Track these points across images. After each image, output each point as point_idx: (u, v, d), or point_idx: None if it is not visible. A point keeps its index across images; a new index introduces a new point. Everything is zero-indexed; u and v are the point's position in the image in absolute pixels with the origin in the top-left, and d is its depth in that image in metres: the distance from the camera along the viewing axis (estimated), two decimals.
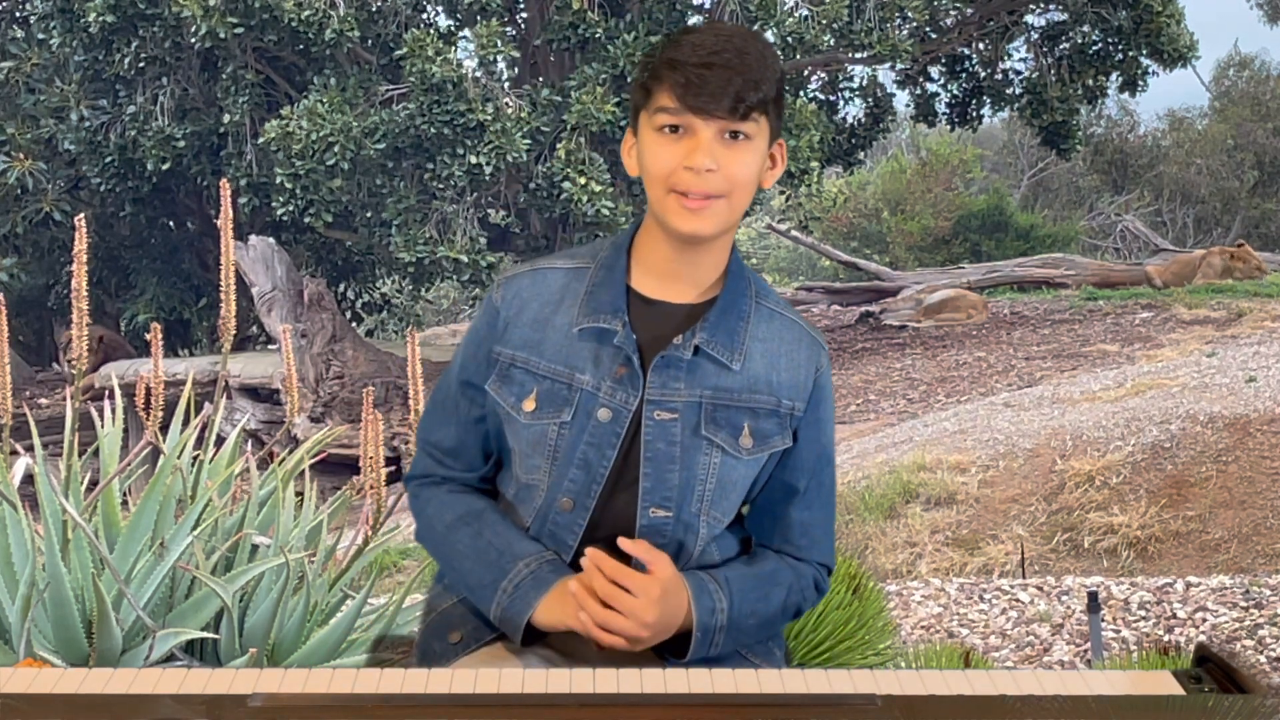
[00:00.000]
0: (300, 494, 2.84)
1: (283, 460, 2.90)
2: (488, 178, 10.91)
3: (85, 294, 2.63)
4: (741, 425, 1.62)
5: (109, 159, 12.50)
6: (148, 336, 4.14)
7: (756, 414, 1.63)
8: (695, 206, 1.56)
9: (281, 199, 11.13)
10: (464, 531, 1.67)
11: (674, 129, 1.55)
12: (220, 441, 2.88)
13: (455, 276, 11.46)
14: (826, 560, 1.74)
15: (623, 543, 1.58)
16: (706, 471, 1.62)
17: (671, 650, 1.61)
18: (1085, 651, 4.49)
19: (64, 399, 12.25)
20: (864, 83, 15.03)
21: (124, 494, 2.78)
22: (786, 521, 1.70)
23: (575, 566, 1.65)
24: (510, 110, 10.88)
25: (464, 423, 1.72)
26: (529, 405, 1.64)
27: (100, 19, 11.56)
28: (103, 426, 2.81)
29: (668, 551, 1.62)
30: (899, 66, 12.94)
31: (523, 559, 1.62)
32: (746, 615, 1.63)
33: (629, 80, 10.94)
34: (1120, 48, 13.68)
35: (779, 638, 1.76)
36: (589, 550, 1.58)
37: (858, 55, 12.00)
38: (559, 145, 10.91)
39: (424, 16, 12.57)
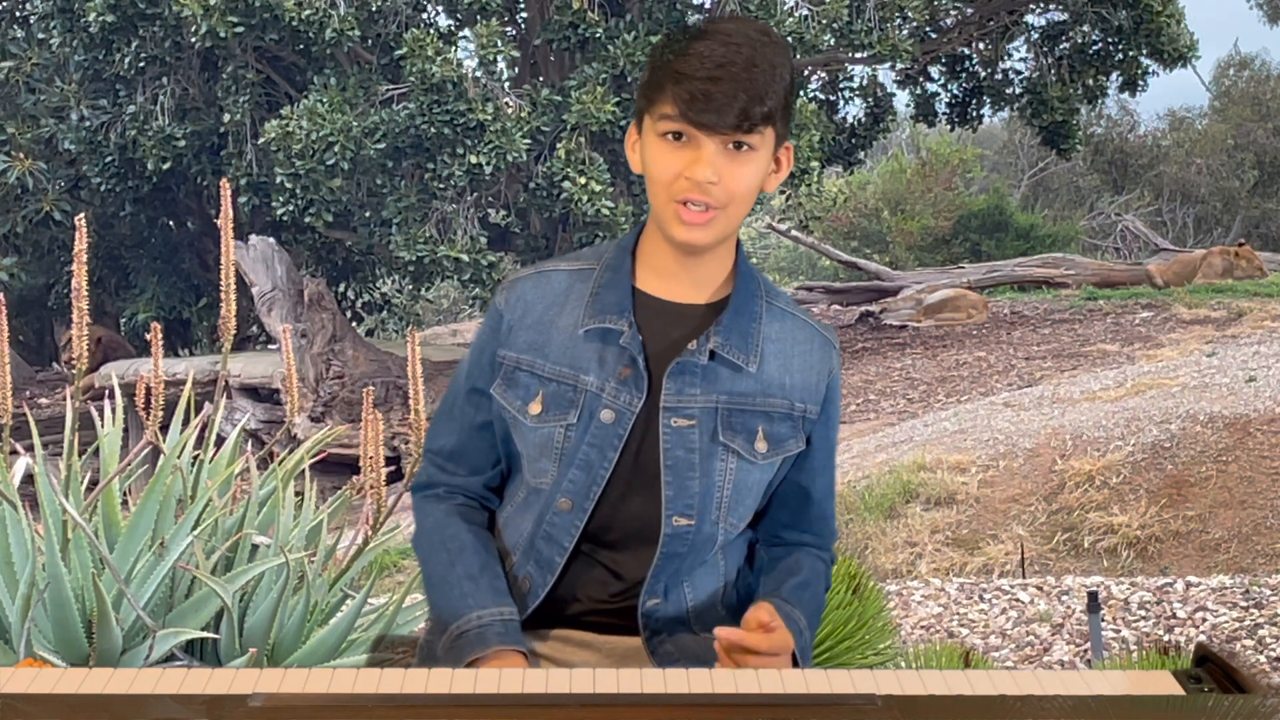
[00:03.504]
0: (300, 494, 2.84)
1: (283, 460, 2.90)
2: (488, 177, 10.91)
3: (85, 294, 2.63)
4: (756, 429, 1.62)
5: (109, 159, 12.50)
6: (148, 336, 4.14)
7: (771, 418, 1.62)
8: (694, 220, 1.54)
9: (281, 199, 11.14)
10: (441, 559, 1.67)
11: (677, 135, 1.53)
12: (220, 441, 2.88)
13: (455, 276, 11.47)
14: (835, 537, 1.79)
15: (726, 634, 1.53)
16: (724, 478, 1.61)
17: None
18: (1085, 651, 4.49)
19: (64, 399, 12.26)
20: (864, 83, 15.04)
21: (124, 494, 2.78)
22: (807, 518, 1.73)
23: (569, 568, 1.64)
24: (510, 110, 10.88)
25: (467, 428, 1.70)
26: (535, 408, 1.62)
27: (100, 19, 11.56)
28: (103, 426, 2.81)
29: (681, 559, 1.64)
30: (899, 66, 12.94)
31: (476, 610, 1.59)
32: (812, 617, 1.68)
33: (629, 80, 10.95)
34: (1120, 48, 13.68)
35: None
36: (720, 632, 1.51)
37: (858, 55, 12.00)
38: (559, 145, 10.91)
39: (424, 16, 12.56)
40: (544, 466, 1.63)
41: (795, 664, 1.59)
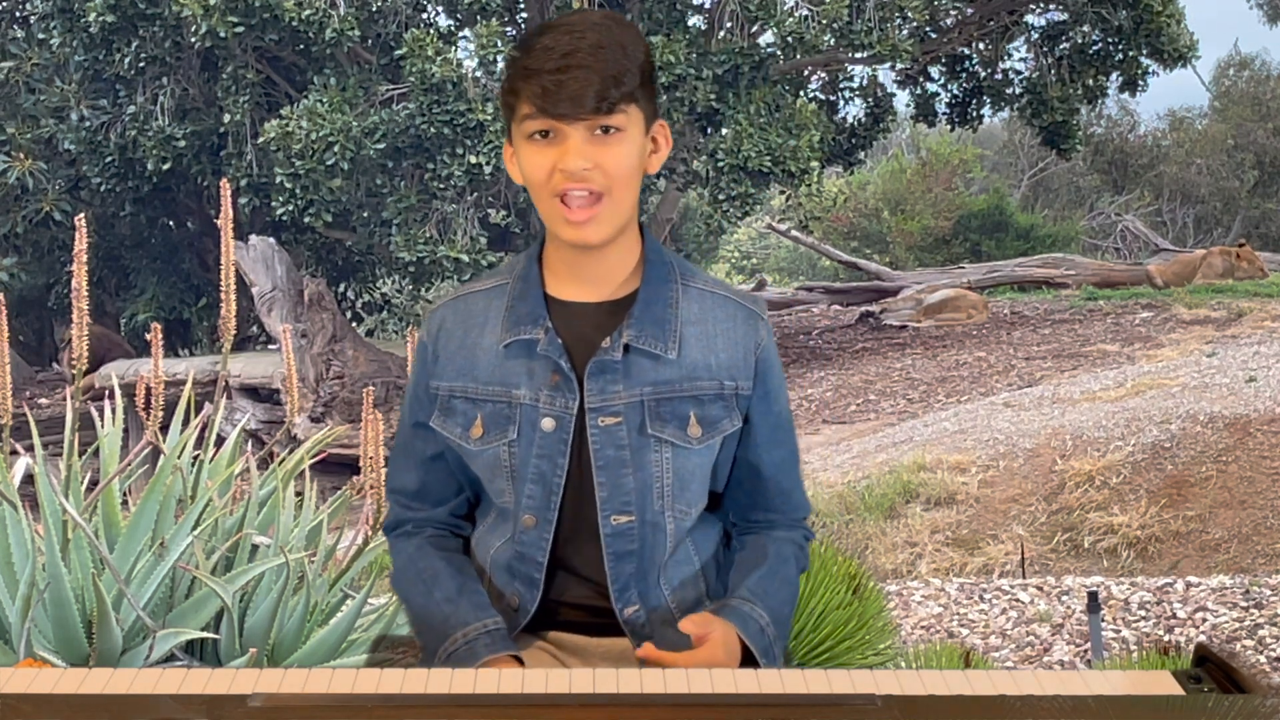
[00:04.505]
0: (300, 494, 2.84)
1: (283, 460, 2.90)
2: (488, 177, 10.91)
3: (85, 294, 2.63)
4: (687, 415, 1.61)
5: (109, 159, 12.51)
6: (148, 336, 4.14)
7: (701, 401, 1.61)
8: (579, 219, 1.54)
9: (281, 199, 11.14)
10: (418, 589, 1.67)
11: (544, 134, 1.53)
12: (220, 441, 2.88)
13: (456, 276, 11.47)
14: (806, 513, 1.76)
15: (648, 652, 1.53)
16: (660, 468, 1.61)
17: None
18: (1085, 651, 4.49)
19: (64, 399, 12.26)
20: (864, 83, 15.04)
21: (124, 494, 2.78)
22: (764, 495, 1.71)
23: (551, 580, 1.64)
24: None
25: (422, 463, 1.71)
26: (476, 432, 1.63)
27: (100, 19, 11.56)
28: (103, 426, 2.81)
29: (639, 554, 1.63)
30: (899, 66, 12.94)
31: (461, 629, 1.59)
32: (782, 607, 1.65)
33: None
34: (1120, 48, 13.68)
35: None
36: (642, 654, 1.53)
37: (858, 55, 12.00)
38: None
39: (424, 16, 12.56)
40: (500, 486, 1.64)
41: (754, 662, 1.58)
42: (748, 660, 1.59)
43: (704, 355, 1.62)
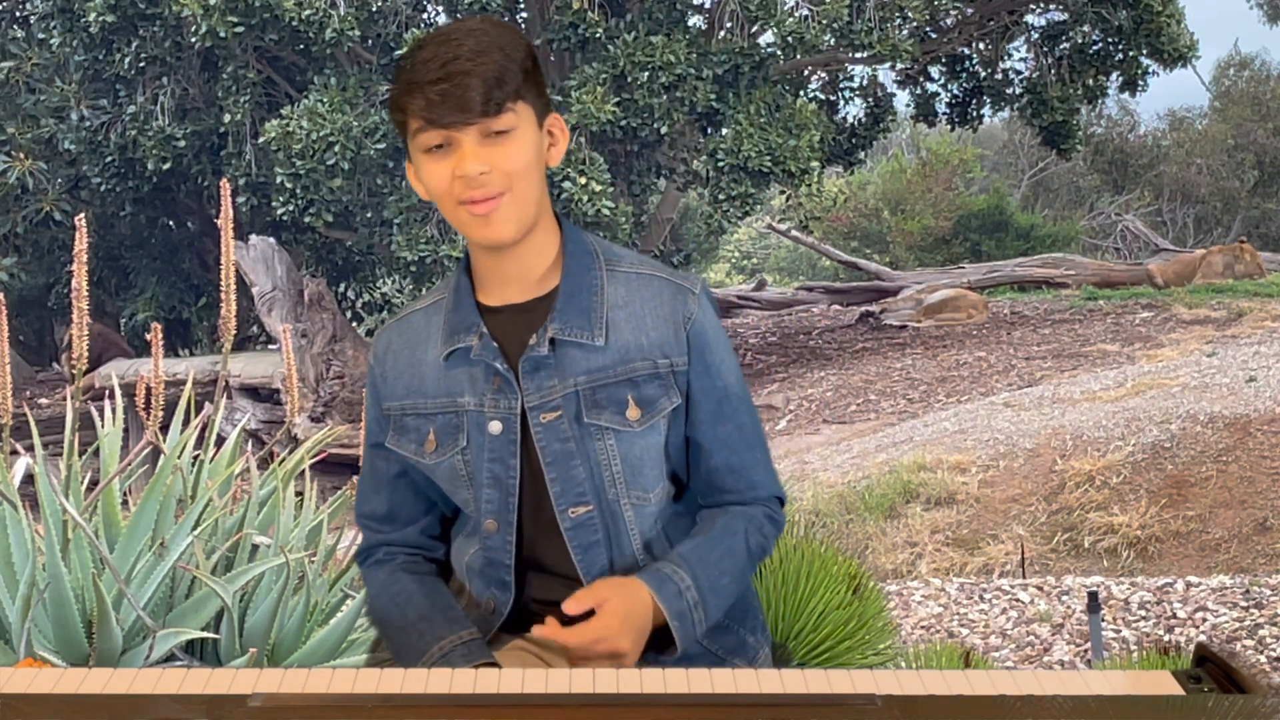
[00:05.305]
0: (300, 494, 2.84)
1: (283, 460, 2.90)
2: None
3: (85, 294, 2.63)
4: (625, 398, 1.61)
5: (109, 159, 12.51)
6: (148, 336, 4.14)
7: (637, 383, 1.62)
8: (483, 212, 1.56)
9: (281, 199, 11.14)
10: (393, 613, 1.69)
11: (438, 146, 1.56)
12: (220, 441, 2.88)
13: None
14: (770, 493, 1.72)
15: (559, 616, 1.56)
16: (607, 456, 1.62)
17: (664, 646, 1.59)
18: (1085, 651, 4.49)
19: (64, 399, 12.26)
20: (864, 83, 15.04)
21: (124, 494, 2.78)
22: (714, 474, 1.69)
23: (524, 581, 1.65)
24: None
25: (388, 484, 1.74)
26: (430, 446, 1.66)
27: (100, 19, 11.56)
28: (103, 426, 2.81)
29: (605, 543, 1.63)
30: (899, 66, 12.94)
31: (436, 643, 1.61)
32: (719, 577, 1.63)
33: (629, 80, 10.95)
34: (1120, 48, 13.68)
35: (754, 625, 1.74)
36: (536, 631, 1.56)
37: (858, 55, 12.00)
38: None
39: (424, 16, 12.57)
40: (464, 496, 1.67)
41: (671, 632, 1.57)
42: (664, 625, 1.57)
43: (635, 336, 1.62)
